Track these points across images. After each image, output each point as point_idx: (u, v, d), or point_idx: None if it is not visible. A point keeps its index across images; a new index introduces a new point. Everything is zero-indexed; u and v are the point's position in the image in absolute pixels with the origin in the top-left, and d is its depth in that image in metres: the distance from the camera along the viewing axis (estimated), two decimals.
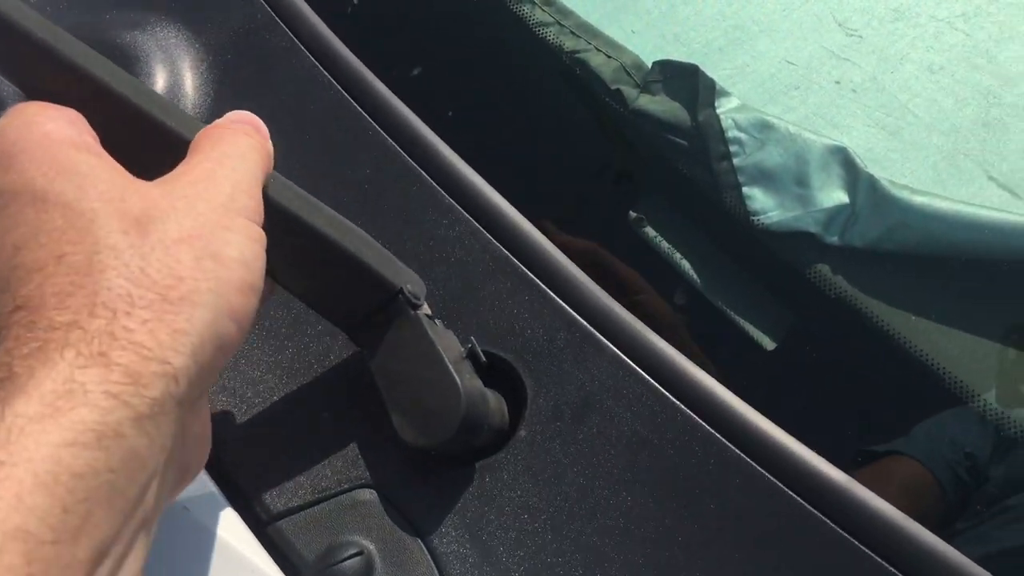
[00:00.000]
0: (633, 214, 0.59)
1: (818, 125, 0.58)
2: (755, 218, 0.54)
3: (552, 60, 0.63)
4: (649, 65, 0.61)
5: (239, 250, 0.38)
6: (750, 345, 0.55)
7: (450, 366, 0.50)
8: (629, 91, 0.60)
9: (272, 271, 0.47)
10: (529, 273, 0.60)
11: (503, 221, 0.62)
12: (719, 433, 0.53)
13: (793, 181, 0.54)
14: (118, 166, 0.39)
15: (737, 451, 0.52)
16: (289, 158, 0.68)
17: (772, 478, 0.51)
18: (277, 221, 0.45)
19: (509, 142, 0.65)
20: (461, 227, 0.62)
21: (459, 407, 0.50)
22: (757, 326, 0.55)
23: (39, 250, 0.35)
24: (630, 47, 0.63)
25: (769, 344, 0.54)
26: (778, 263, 0.54)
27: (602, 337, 0.57)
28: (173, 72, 0.75)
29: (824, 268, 0.53)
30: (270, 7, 0.74)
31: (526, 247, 0.61)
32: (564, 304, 0.58)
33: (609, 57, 0.62)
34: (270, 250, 0.42)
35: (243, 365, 0.60)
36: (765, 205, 0.54)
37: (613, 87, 0.61)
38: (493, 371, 0.57)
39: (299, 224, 0.47)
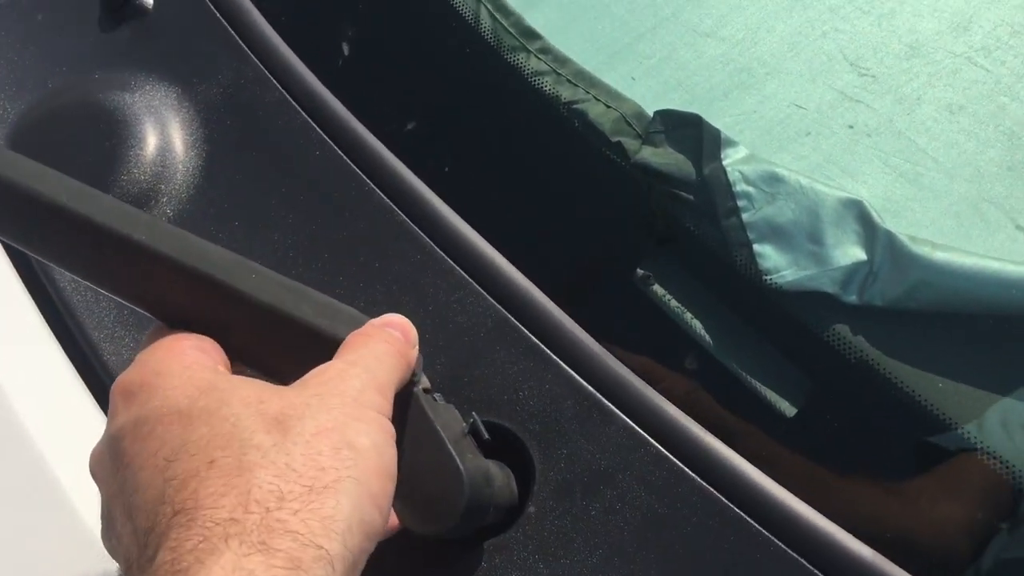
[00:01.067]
0: (640, 271, 0.57)
1: (832, 173, 0.55)
2: (768, 278, 0.52)
3: (549, 111, 0.61)
4: (651, 114, 0.59)
5: (371, 439, 0.41)
6: (768, 412, 0.52)
7: (450, 447, 0.48)
8: (630, 143, 0.58)
9: (242, 358, 0.48)
10: (533, 337, 0.58)
11: (504, 281, 0.60)
12: (739, 508, 0.51)
13: (806, 238, 0.52)
14: (252, 379, 0.43)
15: (758, 527, 0.50)
16: (281, 217, 0.66)
17: (797, 556, 0.49)
18: (259, 312, 0.46)
19: (508, 198, 0.63)
20: (462, 290, 0.60)
21: (462, 491, 0.48)
22: (775, 391, 0.52)
23: (189, 460, 0.39)
24: (630, 95, 0.60)
25: (789, 410, 0.52)
26: (794, 324, 0.52)
27: (611, 405, 0.55)
28: (163, 131, 0.73)
29: (843, 329, 0.51)
30: (260, 62, 0.73)
31: (530, 309, 0.58)
32: (570, 370, 0.56)
33: (608, 107, 0.60)
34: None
35: None
36: (778, 264, 0.52)
37: (614, 139, 0.59)
38: (499, 442, 0.55)
39: (284, 316, 0.46)
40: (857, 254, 0.51)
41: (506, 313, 0.59)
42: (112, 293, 0.47)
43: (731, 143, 0.56)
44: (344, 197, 0.66)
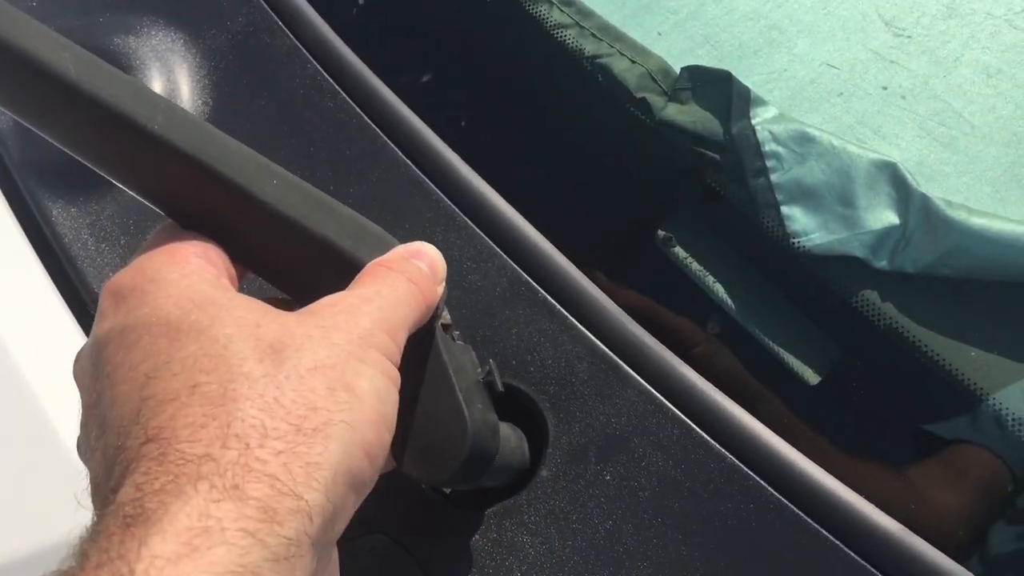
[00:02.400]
0: (661, 233, 0.56)
1: (864, 135, 0.54)
2: (795, 240, 0.51)
3: (572, 65, 0.60)
4: (677, 71, 0.57)
5: (372, 383, 0.38)
6: (791, 378, 0.51)
7: (459, 394, 0.45)
8: (656, 99, 0.57)
9: (256, 268, 0.45)
10: (549, 297, 0.57)
11: (521, 241, 0.58)
12: (757, 475, 0.50)
13: (837, 200, 0.51)
14: (254, 299, 0.39)
15: (777, 495, 0.49)
16: (290, 170, 0.64)
17: (816, 524, 0.48)
18: (276, 223, 0.42)
19: (526, 154, 0.62)
20: (476, 247, 0.59)
21: (465, 442, 0.45)
22: (799, 357, 0.51)
23: (172, 380, 0.35)
24: (656, 50, 0.59)
25: (812, 378, 0.51)
26: (821, 289, 0.51)
27: (628, 368, 0.54)
28: (170, 77, 0.72)
29: (872, 295, 0.50)
30: (271, 9, 0.71)
31: (546, 269, 0.57)
32: (587, 331, 0.55)
33: (634, 62, 0.58)
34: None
35: None
36: (806, 226, 0.51)
37: (638, 95, 0.57)
38: (512, 403, 0.54)
39: (303, 231, 0.43)
40: (890, 218, 0.50)
41: (522, 272, 0.58)
42: (119, 182, 0.43)
43: (761, 102, 0.54)
44: (357, 150, 0.64)
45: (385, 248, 0.44)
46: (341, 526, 0.37)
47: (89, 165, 0.42)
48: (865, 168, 0.51)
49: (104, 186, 0.67)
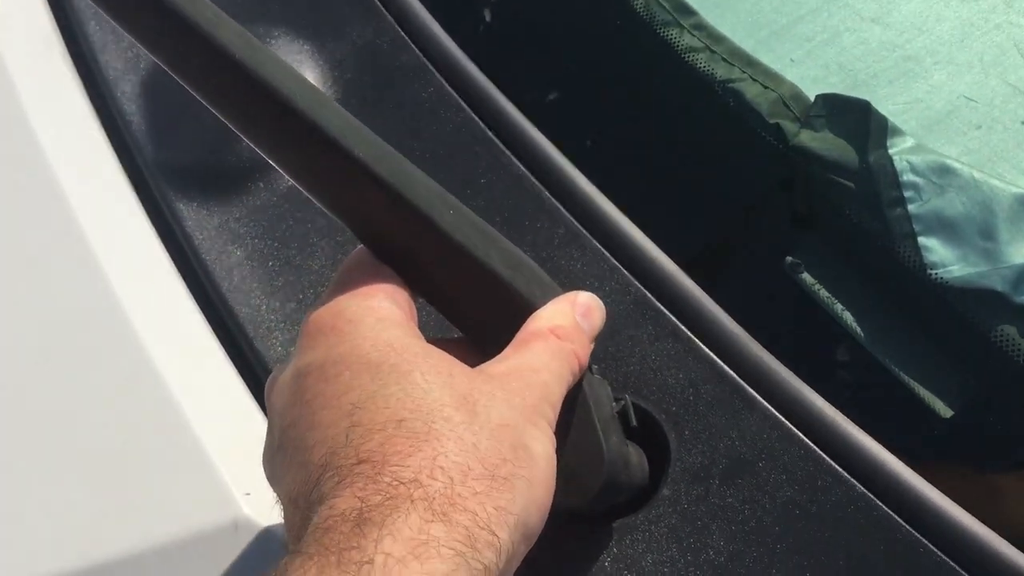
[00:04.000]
0: (790, 259, 0.57)
1: (1002, 170, 0.54)
2: (933, 272, 0.51)
3: (703, 89, 0.61)
4: (811, 98, 0.58)
5: (543, 448, 0.42)
6: (923, 411, 0.52)
7: (599, 427, 0.48)
8: (789, 126, 0.58)
9: (433, 300, 0.49)
10: (672, 317, 0.58)
11: (644, 259, 0.60)
12: (886, 505, 0.50)
13: (978, 233, 0.51)
14: (440, 350, 0.44)
15: (908, 527, 0.49)
16: None
17: (948, 559, 0.48)
18: (452, 253, 0.47)
19: (651, 176, 0.63)
20: (599, 265, 0.60)
21: (601, 472, 0.48)
22: (931, 390, 0.51)
23: (378, 412, 0.40)
24: (788, 77, 0.60)
25: (945, 411, 0.51)
26: (958, 322, 0.51)
27: (754, 392, 0.54)
28: None
29: (1011, 330, 0.50)
30: (397, 24, 0.74)
31: (669, 288, 0.58)
32: (711, 353, 0.56)
33: (766, 88, 0.59)
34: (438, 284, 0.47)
35: None
36: (945, 258, 0.51)
37: (771, 121, 0.58)
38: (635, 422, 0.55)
39: (473, 260, 0.47)
40: None
41: (646, 292, 0.59)
42: (316, 199, 0.47)
43: (898, 131, 0.55)
44: (480, 166, 0.66)
45: (551, 292, 0.49)
46: (512, 571, 0.41)
47: (288, 176, 0.47)
48: (1007, 202, 0.51)
49: (234, 189, 0.70)
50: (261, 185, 0.70)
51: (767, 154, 0.59)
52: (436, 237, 0.46)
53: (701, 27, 0.63)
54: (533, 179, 0.64)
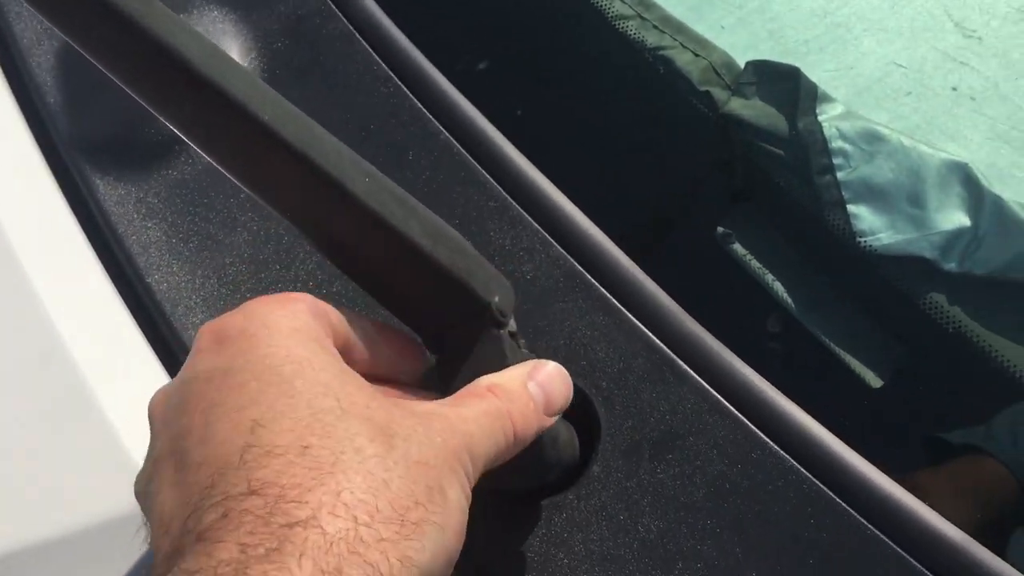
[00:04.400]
0: (721, 229, 0.56)
1: (932, 136, 0.54)
2: (862, 240, 0.51)
3: (632, 56, 0.59)
4: (741, 65, 0.57)
5: (458, 495, 0.39)
6: (853, 381, 0.51)
7: None
8: (719, 93, 0.57)
9: (351, 273, 0.47)
10: (603, 290, 0.56)
11: (575, 232, 0.58)
12: (817, 478, 0.49)
13: (906, 200, 0.51)
14: (360, 377, 0.41)
15: (837, 499, 0.49)
16: None
17: (876, 531, 0.48)
18: (367, 222, 0.44)
19: (583, 145, 0.62)
20: (530, 238, 0.59)
21: (529, 452, 0.46)
22: (861, 360, 0.51)
23: (282, 434, 0.36)
24: (719, 44, 0.59)
25: (875, 381, 0.51)
26: (887, 290, 0.51)
27: (685, 365, 0.54)
28: None
29: (940, 298, 0.50)
30: None
31: (600, 261, 0.57)
32: (642, 326, 0.55)
33: (697, 55, 0.58)
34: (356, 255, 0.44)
35: None
36: (874, 225, 0.51)
37: (701, 88, 0.57)
38: None
39: (391, 231, 0.44)
40: (961, 219, 0.50)
41: (577, 264, 0.57)
42: (227, 171, 0.44)
43: (828, 98, 0.54)
44: (408, 137, 0.64)
45: (475, 265, 0.46)
46: None
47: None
48: (936, 168, 0.51)
49: (153, 163, 0.67)
50: (181, 159, 0.67)
51: (700, 124, 0.58)
52: (349, 205, 0.43)
53: None
54: (462, 149, 0.62)
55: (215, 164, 0.45)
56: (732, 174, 0.58)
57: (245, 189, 0.45)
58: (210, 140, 0.43)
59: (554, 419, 0.46)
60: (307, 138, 0.43)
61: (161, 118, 0.43)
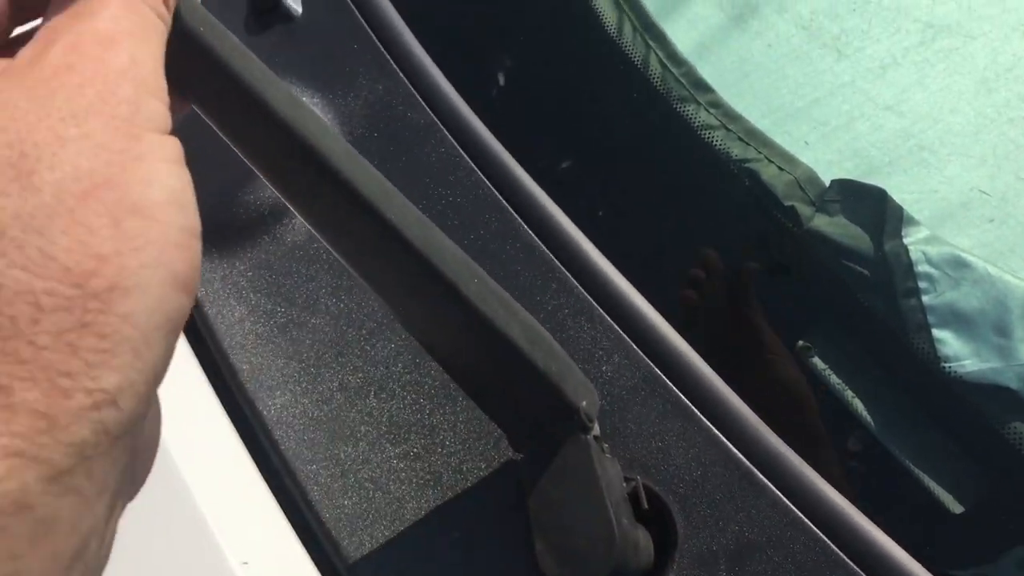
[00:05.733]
0: (801, 343, 0.57)
1: (1015, 265, 0.55)
2: (946, 365, 0.52)
3: (717, 166, 0.61)
4: (825, 182, 0.59)
5: (164, 187, 0.28)
6: (933, 505, 0.52)
7: (610, 508, 0.48)
8: (804, 209, 0.58)
9: (447, 366, 0.49)
10: (683, 398, 0.58)
11: (655, 335, 0.60)
12: None
13: (992, 328, 0.52)
14: None
15: None
16: None
17: None
18: (474, 322, 0.46)
19: (665, 252, 0.63)
20: (610, 339, 0.60)
21: (610, 556, 0.48)
22: (942, 484, 0.52)
23: None
24: (802, 160, 0.60)
25: (955, 506, 0.51)
26: (970, 417, 0.52)
27: (764, 477, 0.55)
28: None
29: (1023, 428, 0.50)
30: (409, 81, 0.74)
31: (681, 367, 0.58)
32: (721, 435, 0.56)
33: (781, 169, 0.60)
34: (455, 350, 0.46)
35: (385, 462, 0.59)
36: (959, 352, 0.52)
37: (786, 203, 0.59)
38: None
39: (495, 333, 0.46)
40: None
41: (656, 369, 0.59)
42: (344, 259, 0.47)
43: (913, 221, 0.56)
44: (490, 232, 0.66)
45: (566, 369, 0.48)
46: (162, 376, 0.29)
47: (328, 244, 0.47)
48: (1022, 299, 0.52)
49: (239, 243, 0.69)
50: (267, 239, 0.70)
51: (783, 235, 0.60)
52: (461, 306, 0.46)
53: (717, 104, 0.64)
54: (544, 247, 0.64)
55: (337, 254, 0.47)
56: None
57: (361, 278, 0.47)
58: (339, 235, 0.45)
59: None
60: (427, 239, 0.45)
61: (297, 213, 0.45)
